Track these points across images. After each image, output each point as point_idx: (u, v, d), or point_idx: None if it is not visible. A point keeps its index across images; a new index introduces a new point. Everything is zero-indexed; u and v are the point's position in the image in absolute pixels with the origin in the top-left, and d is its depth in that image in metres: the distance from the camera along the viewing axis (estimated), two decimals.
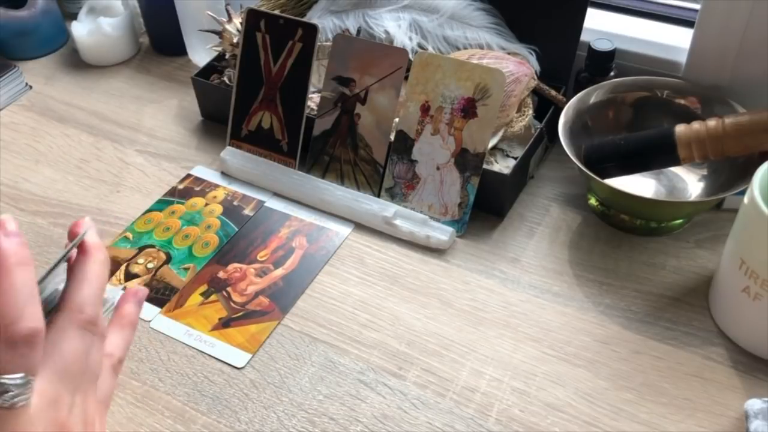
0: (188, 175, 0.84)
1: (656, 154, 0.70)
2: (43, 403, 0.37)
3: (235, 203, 0.80)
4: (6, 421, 0.35)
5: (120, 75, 1.02)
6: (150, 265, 0.73)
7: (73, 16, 1.06)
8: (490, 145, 0.74)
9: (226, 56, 0.89)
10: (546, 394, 0.60)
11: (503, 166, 0.77)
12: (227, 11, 0.89)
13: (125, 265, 0.74)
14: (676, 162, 0.70)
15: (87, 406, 0.40)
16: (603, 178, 0.70)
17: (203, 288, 0.71)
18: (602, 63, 0.79)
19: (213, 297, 0.70)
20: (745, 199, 0.57)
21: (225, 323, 0.67)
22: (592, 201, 0.76)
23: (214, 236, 0.76)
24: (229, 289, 0.70)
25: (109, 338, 0.44)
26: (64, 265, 0.42)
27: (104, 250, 0.42)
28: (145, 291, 0.47)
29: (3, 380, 0.35)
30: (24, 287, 0.35)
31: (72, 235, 0.42)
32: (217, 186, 0.82)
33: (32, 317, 0.35)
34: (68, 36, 1.10)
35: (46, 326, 0.37)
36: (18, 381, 0.35)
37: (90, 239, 0.41)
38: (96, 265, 0.41)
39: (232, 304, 0.69)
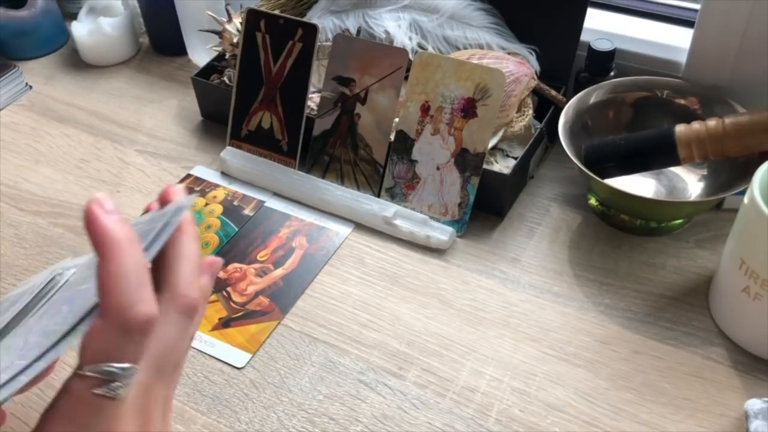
0: (188, 175, 0.84)
1: (656, 154, 0.70)
2: (135, 393, 0.34)
3: (235, 203, 0.80)
4: (104, 411, 0.33)
5: (120, 75, 1.02)
6: None
7: (73, 16, 1.06)
8: (490, 145, 0.74)
9: (226, 56, 0.89)
10: (546, 394, 0.60)
11: (503, 166, 0.77)
12: (227, 11, 0.89)
13: None
14: (676, 162, 0.70)
15: (168, 396, 0.37)
16: (603, 178, 0.70)
17: None
18: (602, 63, 0.79)
19: (213, 297, 0.70)
20: (745, 199, 0.57)
21: (225, 323, 0.67)
22: (592, 201, 0.76)
23: (214, 236, 0.76)
24: (229, 289, 0.70)
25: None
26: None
27: (195, 224, 0.39)
28: (220, 261, 0.42)
29: (112, 368, 0.32)
30: (137, 268, 0.32)
31: (164, 200, 0.39)
32: (217, 186, 0.82)
33: (148, 302, 0.33)
34: (68, 36, 1.10)
35: None
36: (124, 370, 0.33)
37: (186, 214, 0.38)
38: (192, 242, 0.37)
39: (232, 304, 0.69)
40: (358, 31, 0.86)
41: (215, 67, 0.91)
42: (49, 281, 0.44)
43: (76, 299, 0.36)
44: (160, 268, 0.37)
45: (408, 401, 0.60)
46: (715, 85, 0.77)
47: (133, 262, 0.32)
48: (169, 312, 0.35)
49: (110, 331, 0.32)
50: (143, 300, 0.32)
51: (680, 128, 0.68)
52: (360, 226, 0.76)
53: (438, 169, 0.74)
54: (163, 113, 0.94)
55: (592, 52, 0.79)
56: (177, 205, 0.38)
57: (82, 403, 0.32)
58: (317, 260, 0.73)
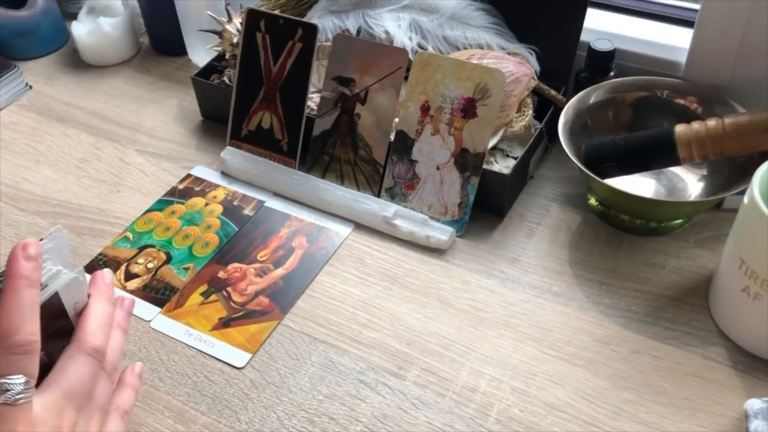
0: (188, 175, 0.84)
1: (656, 154, 0.70)
2: (47, 411, 0.42)
3: (235, 203, 0.80)
4: (8, 418, 0.40)
5: (120, 75, 1.02)
6: (150, 265, 0.73)
7: (73, 16, 1.06)
8: (490, 145, 0.74)
9: (226, 56, 0.89)
10: (546, 393, 0.60)
11: (503, 166, 0.77)
12: (227, 11, 0.89)
13: (125, 265, 0.74)
14: (676, 162, 0.70)
15: (91, 427, 0.46)
16: (603, 178, 0.70)
17: (203, 288, 0.71)
18: (602, 63, 0.80)
19: (213, 297, 0.70)
20: (745, 199, 0.57)
21: (225, 323, 0.67)
22: (592, 201, 0.76)
23: (214, 236, 0.76)
24: (229, 288, 0.70)
25: (118, 394, 0.50)
26: (83, 283, 0.48)
27: (111, 291, 0.50)
28: (141, 367, 0.55)
29: (3, 381, 0.40)
30: (26, 304, 0.41)
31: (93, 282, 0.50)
32: (217, 186, 0.82)
33: (30, 331, 0.41)
34: (68, 36, 1.10)
35: (59, 354, 0.45)
36: (18, 382, 0.40)
37: (100, 279, 0.49)
38: (102, 302, 0.48)
39: (232, 303, 0.69)
40: (358, 31, 0.86)
41: (215, 67, 0.91)
42: None
43: None
44: (77, 324, 0.47)
45: (408, 401, 0.60)
46: (715, 85, 0.77)
47: (26, 301, 0.40)
48: (74, 354, 0.45)
49: (1, 353, 0.40)
50: (26, 329, 0.40)
51: (680, 128, 0.68)
52: (360, 226, 0.76)
53: (438, 169, 0.74)
54: (163, 113, 0.94)
55: (592, 52, 0.79)
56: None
57: None
58: (317, 260, 0.73)
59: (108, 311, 0.48)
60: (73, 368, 0.45)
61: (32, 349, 0.41)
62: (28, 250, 0.41)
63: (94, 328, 0.47)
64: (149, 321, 0.68)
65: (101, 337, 0.47)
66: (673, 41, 0.83)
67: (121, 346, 0.51)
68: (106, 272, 0.50)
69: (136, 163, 0.87)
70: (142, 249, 0.75)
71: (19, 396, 0.40)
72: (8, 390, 0.40)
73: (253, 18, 0.80)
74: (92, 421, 0.46)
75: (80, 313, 0.48)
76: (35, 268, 0.41)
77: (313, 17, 0.89)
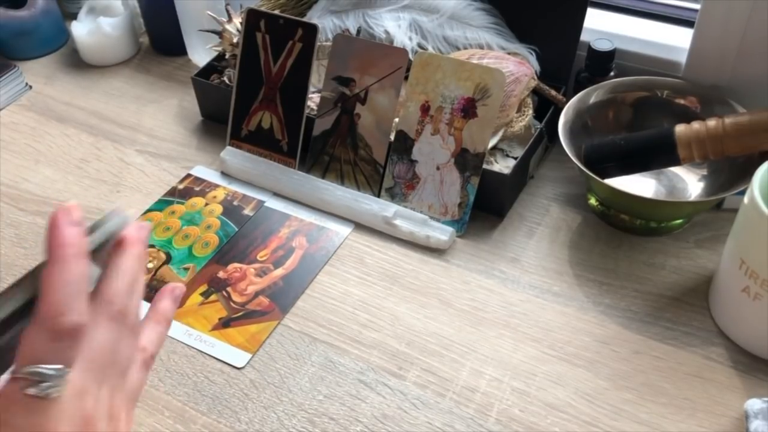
0: (188, 175, 0.84)
1: (656, 154, 0.70)
2: (71, 394, 0.36)
3: (235, 203, 0.80)
4: (35, 411, 0.35)
5: (120, 75, 1.02)
6: (150, 265, 0.73)
7: (73, 16, 1.06)
8: (490, 145, 0.74)
9: (226, 56, 0.89)
10: (546, 394, 0.60)
11: (503, 166, 0.77)
12: (227, 11, 0.89)
13: None
14: (676, 162, 0.70)
15: (114, 400, 0.39)
16: (603, 178, 0.70)
17: (203, 288, 0.71)
18: (602, 63, 0.79)
19: (213, 297, 0.70)
20: (745, 199, 0.57)
21: (225, 323, 0.67)
22: (592, 201, 0.76)
23: (214, 236, 0.76)
24: (229, 289, 0.70)
25: (143, 333, 0.43)
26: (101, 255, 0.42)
27: (142, 244, 0.41)
28: (182, 288, 0.46)
29: (41, 370, 0.34)
30: (75, 280, 0.35)
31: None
32: (217, 186, 0.82)
33: (79, 312, 0.35)
34: (68, 36, 1.10)
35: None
36: (55, 372, 0.35)
37: (129, 232, 0.41)
38: (130, 258, 0.40)
39: (232, 304, 0.69)
40: (358, 31, 0.86)
41: (215, 67, 0.91)
42: None
43: None
44: (98, 281, 0.40)
45: (408, 401, 0.60)
46: (715, 85, 0.77)
47: (75, 276, 0.35)
48: (99, 319, 0.38)
49: (42, 335, 0.34)
50: (75, 309, 0.35)
51: (680, 128, 0.68)
52: (360, 226, 0.76)
53: (438, 169, 0.74)
54: (163, 113, 0.94)
55: (592, 52, 0.79)
56: (116, 221, 0.41)
57: (13, 403, 0.34)
58: (317, 260, 0.73)
59: (135, 268, 0.40)
60: (96, 337, 0.37)
61: (80, 334, 0.35)
62: (71, 214, 0.35)
63: (118, 287, 0.39)
64: None
65: (128, 298, 0.40)
66: (673, 41, 0.83)
67: (164, 338, 0.44)
68: (145, 225, 0.42)
69: (136, 163, 0.87)
70: None
71: (52, 388, 0.35)
72: (42, 381, 0.34)
73: (253, 18, 0.80)
74: (115, 392, 0.39)
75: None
76: (82, 235, 0.35)
77: (313, 17, 0.89)
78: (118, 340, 0.39)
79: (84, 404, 0.37)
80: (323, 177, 0.80)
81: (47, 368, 0.35)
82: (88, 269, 0.36)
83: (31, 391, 0.34)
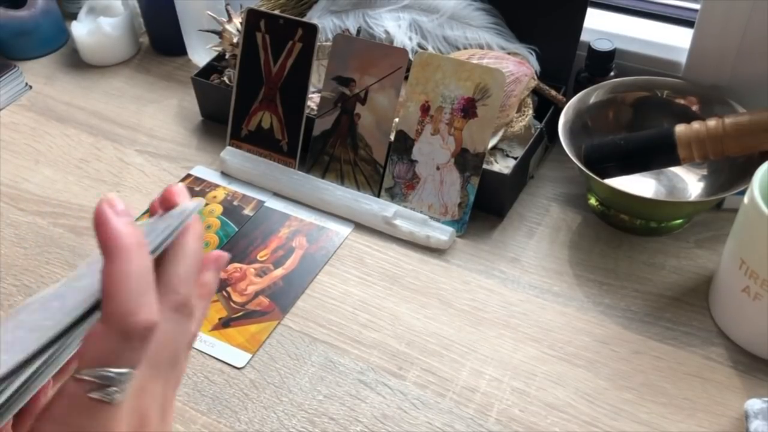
0: (188, 175, 0.84)
1: (656, 154, 0.70)
2: (132, 394, 0.34)
3: (235, 203, 0.80)
4: (98, 415, 0.32)
5: (120, 75, 1.02)
6: None
7: (73, 16, 1.06)
8: (490, 145, 0.74)
9: (226, 56, 0.89)
10: (546, 394, 0.60)
11: (503, 166, 0.77)
12: (227, 11, 0.89)
13: None
14: (676, 162, 0.70)
15: (167, 392, 0.37)
16: (603, 178, 0.70)
17: None
18: (602, 63, 0.79)
19: (213, 297, 0.70)
20: (745, 199, 0.57)
21: (225, 323, 0.67)
22: (592, 201, 0.76)
23: (214, 236, 0.76)
24: (229, 289, 0.70)
25: (201, 276, 0.38)
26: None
27: (200, 222, 0.37)
28: (226, 257, 0.41)
29: (108, 373, 0.32)
30: (142, 273, 0.32)
31: (167, 203, 0.38)
32: (217, 186, 0.82)
33: (150, 309, 0.32)
34: (68, 36, 1.10)
35: None
36: (122, 375, 0.32)
37: (191, 215, 0.37)
38: (194, 240, 0.36)
39: (232, 304, 0.69)
40: (358, 31, 0.86)
41: (215, 67, 0.91)
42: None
43: (67, 296, 0.35)
44: (159, 266, 0.35)
45: (408, 401, 0.60)
46: (715, 85, 0.77)
47: (139, 268, 0.31)
48: (162, 310, 0.34)
49: (110, 336, 0.31)
50: (145, 306, 0.32)
51: (680, 128, 0.68)
52: (360, 226, 0.76)
53: (438, 169, 0.74)
54: (163, 113, 0.94)
55: (592, 52, 0.79)
56: (183, 208, 0.37)
57: (76, 406, 0.32)
58: (317, 260, 0.73)
59: (200, 250, 0.36)
60: (159, 329, 0.33)
61: (151, 334, 0.32)
62: (115, 205, 0.32)
63: (184, 273, 0.35)
64: None
65: (191, 286, 0.36)
66: (673, 41, 0.83)
67: (205, 315, 0.40)
68: (200, 201, 0.38)
69: (136, 163, 0.87)
70: None
71: (118, 393, 0.32)
72: (108, 386, 0.31)
73: (253, 18, 0.80)
74: (168, 385, 0.36)
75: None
76: (133, 224, 0.32)
77: (313, 17, 0.89)
78: (181, 332, 0.36)
79: (142, 402, 0.34)
80: (323, 177, 0.80)
81: (115, 372, 0.32)
82: (151, 264, 0.32)
83: (96, 395, 0.32)
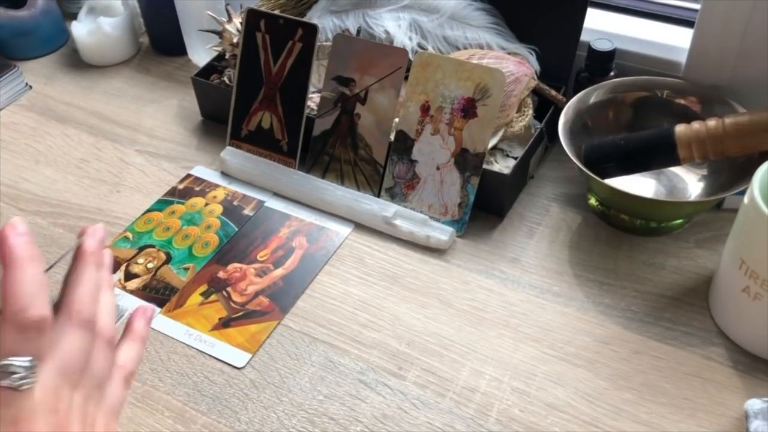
0: (188, 175, 0.84)
1: (656, 154, 0.70)
2: (42, 392, 0.39)
3: (235, 203, 0.80)
4: (9, 403, 0.37)
5: (120, 75, 1.02)
6: (150, 265, 0.73)
7: (73, 16, 1.06)
8: (490, 145, 0.74)
9: (226, 56, 0.89)
10: (546, 394, 0.60)
11: (503, 166, 0.77)
12: (227, 11, 0.89)
13: (125, 265, 0.74)
14: (676, 162, 0.70)
15: (88, 406, 0.42)
16: (603, 178, 0.70)
17: (203, 288, 0.71)
18: (602, 63, 0.79)
19: (213, 297, 0.70)
20: (745, 199, 0.57)
21: (225, 323, 0.67)
22: (592, 201, 0.76)
23: (214, 236, 0.76)
24: (229, 289, 0.70)
25: (121, 350, 0.46)
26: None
27: (99, 254, 0.44)
28: (153, 309, 0.49)
29: (11, 362, 0.37)
30: (34, 279, 0.38)
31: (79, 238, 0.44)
32: (217, 186, 0.82)
33: (41, 306, 0.37)
34: (68, 36, 1.10)
35: None
36: (25, 364, 0.37)
37: (86, 244, 0.44)
38: (88, 268, 0.43)
39: (232, 304, 0.69)
40: (358, 31, 0.86)
41: (215, 67, 0.91)
42: None
43: None
44: (61, 293, 0.42)
45: (408, 401, 0.60)
46: (715, 85, 0.77)
47: (32, 275, 0.38)
48: (64, 325, 0.40)
49: (9, 330, 0.37)
50: (37, 304, 0.37)
51: (680, 128, 0.68)
52: (360, 226, 0.76)
53: (438, 169, 0.74)
54: (163, 113, 0.94)
55: (592, 52, 0.79)
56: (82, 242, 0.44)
57: None
58: (317, 260, 0.73)
59: (95, 277, 0.43)
60: (64, 341, 0.40)
61: (44, 326, 0.38)
62: (16, 228, 0.39)
63: (80, 294, 0.42)
64: None
65: (91, 306, 0.42)
66: (673, 41, 0.83)
67: (113, 307, 0.45)
68: (98, 228, 0.45)
69: (136, 163, 0.87)
70: (142, 249, 0.75)
71: (24, 380, 0.37)
72: (13, 372, 0.37)
73: (253, 18, 0.80)
74: (90, 401, 0.42)
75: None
76: (30, 243, 0.38)
77: (313, 17, 0.89)
78: (89, 346, 0.42)
79: (57, 404, 0.39)
80: (323, 177, 0.80)
81: (17, 360, 0.37)
82: (43, 274, 0.38)
83: (4, 383, 0.36)
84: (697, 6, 0.77)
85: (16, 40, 1.05)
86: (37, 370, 0.38)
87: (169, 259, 0.74)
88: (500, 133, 0.76)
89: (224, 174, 0.84)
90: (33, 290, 0.38)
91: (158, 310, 0.50)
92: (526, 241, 0.74)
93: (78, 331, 0.41)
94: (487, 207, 0.75)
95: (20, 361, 0.37)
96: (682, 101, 0.76)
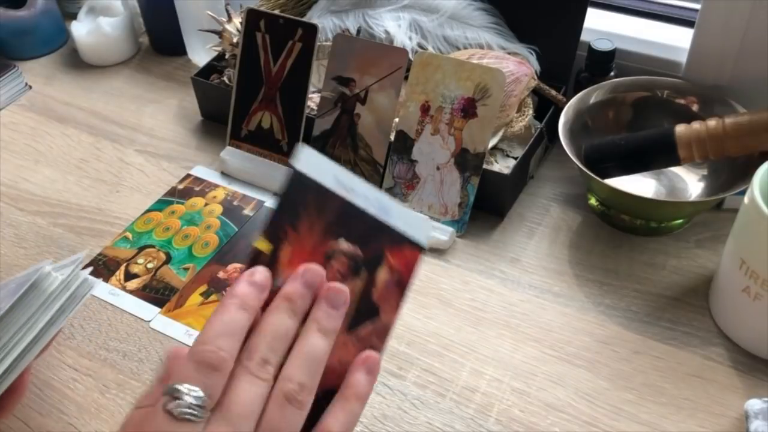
0: (188, 175, 0.84)
1: (656, 154, 0.70)
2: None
3: (234, 203, 0.80)
4: (161, 428, 0.34)
5: (120, 75, 1.02)
6: (150, 265, 0.73)
7: (73, 16, 1.06)
8: (490, 145, 0.74)
9: (226, 56, 0.89)
10: (546, 394, 0.60)
11: (503, 166, 0.77)
12: (227, 11, 0.89)
13: (125, 265, 0.74)
14: (676, 162, 0.70)
15: None
16: (603, 178, 0.70)
17: (203, 288, 0.71)
18: (602, 63, 0.79)
19: (213, 297, 0.70)
20: (745, 199, 0.57)
21: None
22: (592, 201, 0.76)
23: (213, 236, 0.76)
24: (229, 289, 0.70)
25: (331, 411, 0.38)
26: None
27: (298, 295, 0.39)
28: (376, 358, 0.40)
29: (180, 387, 0.35)
30: (231, 323, 0.37)
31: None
32: (216, 186, 0.82)
33: (223, 345, 0.36)
34: (68, 36, 1.10)
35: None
36: (194, 394, 0.35)
37: (287, 285, 0.40)
38: (275, 313, 0.39)
39: None
40: (358, 31, 0.86)
41: (215, 67, 0.91)
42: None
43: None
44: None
45: (408, 401, 0.60)
46: (715, 85, 0.77)
47: (230, 318, 0.37)
48: (238, 374, 0.37)
49: (189, 361, 0.36)
50: (219, 343, 0.36)
51: (680, 128, 0.68)
52: None
53: (438, 169, 0.74)
54: (163, 113, 0.94)
55: (592, 52, 0.79)
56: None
57: (152, 415, 0.35)
58: None
59: (281, 324, 0.38)
60: (236, 390, 0.36)
61: (219, 367, 0.36)
62: (255, 275, 0.38)
63: (260, 341, 0.38)
64: (149, 321, 0.68)
65: (267, 353, 0.37)
66: (673, 41, 0.83)
67: (356, 419, 0.39)
68: (310, 268, 0.39)
69: (135, 163, 0.87)
70: (141, 249, 0.75)
71: (188, 412, 0.34)
72: (178, 398, 0.34)
73: (253, 18, 0.80)
74: None
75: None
76: (256, 297, 0.38)
77: (313, 17, 0.89)
78: (260, 396, 0.36)
79: None
80: None
81: (186, 387, 0.35)
82: (245, 322, 0.37)
83: (169, 407, 0.34)
84: (697, 6, 0.77)
85: (16, 40, 1.05)
86: (206, 408, 0.35)
87: (168, 259, 0.74)
88: (500, 133, 0.76)
89: (224, 174, 0.84)
90: (223, 332, 0.36)
91: (379, 359, 0.40)
92: (526, 241, 0.74)
93: (250, 377, 0.37)
94: (487, 207, 0.75)
95: (189, 389, 0.35)
96: (682, 101, 0.76)
